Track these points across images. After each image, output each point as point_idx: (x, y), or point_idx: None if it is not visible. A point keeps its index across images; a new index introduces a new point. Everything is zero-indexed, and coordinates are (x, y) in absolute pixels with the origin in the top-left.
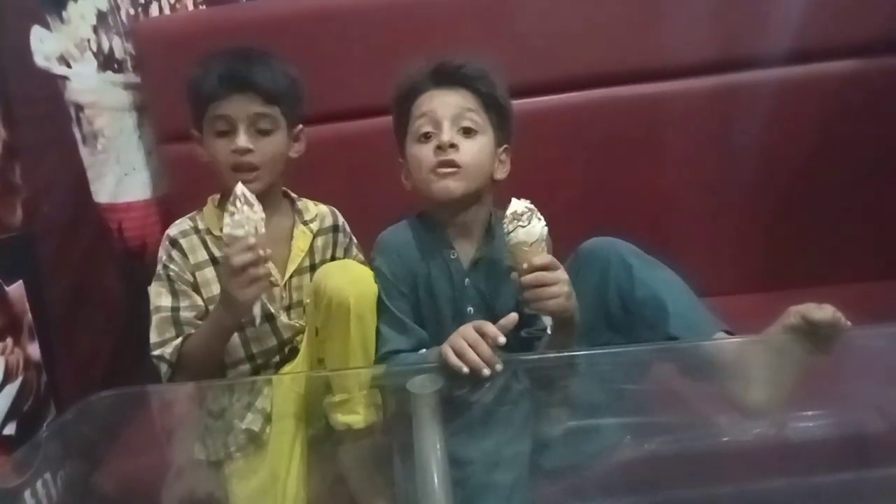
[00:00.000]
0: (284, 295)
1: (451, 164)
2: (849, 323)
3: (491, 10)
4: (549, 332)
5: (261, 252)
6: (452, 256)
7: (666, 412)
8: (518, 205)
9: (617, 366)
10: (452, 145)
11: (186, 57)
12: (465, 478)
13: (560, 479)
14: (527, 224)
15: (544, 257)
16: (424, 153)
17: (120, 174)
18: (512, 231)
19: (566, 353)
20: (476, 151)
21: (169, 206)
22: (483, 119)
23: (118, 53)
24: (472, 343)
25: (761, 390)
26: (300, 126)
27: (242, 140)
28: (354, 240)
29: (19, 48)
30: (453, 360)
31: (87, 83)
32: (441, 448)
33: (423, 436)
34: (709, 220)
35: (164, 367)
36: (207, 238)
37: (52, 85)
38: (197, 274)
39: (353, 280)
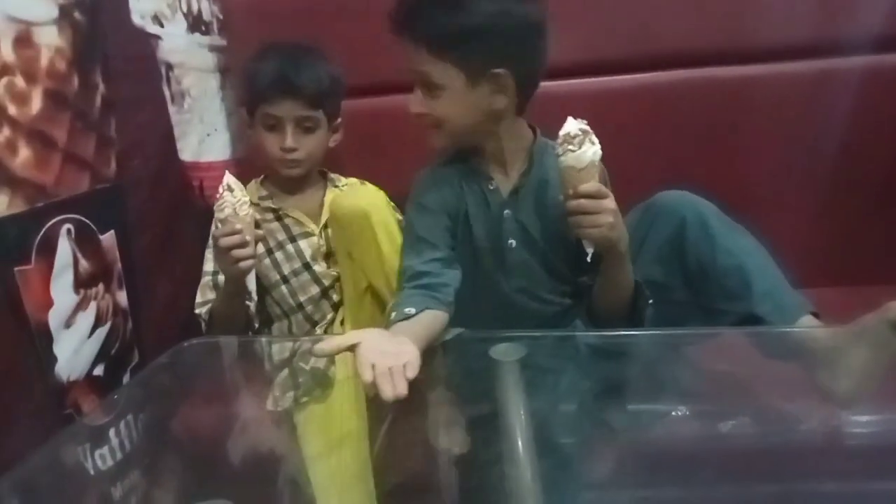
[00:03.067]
0: (322, 243)
1: (424, 122)
2: None
3: None
4: (588, 259)
5: (247, 236)
6: (491, 187)
7: (745, 396)
8: (571, 126)
9: (698, 346)
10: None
11: (270, 21)
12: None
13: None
14: (577, 149)
15: (591, 185)
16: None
17: (203, 134)
18: (562, 154)
19: (644, 332)
20: (442, 106)
21: (245, 167)
22: (440, 70)
23: (206, 16)
24: (393, 371)
25: (851, 380)
26: (339, 119)
27: (289, 140)
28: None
29: (119, 6)
30: (367, 373)
31: (176, 43)
32: (525, 415)
33: (507, 402)
34: (788, 209)
35: (203, 324)
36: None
37: (146, 43)
38: None
39: (363, 194)
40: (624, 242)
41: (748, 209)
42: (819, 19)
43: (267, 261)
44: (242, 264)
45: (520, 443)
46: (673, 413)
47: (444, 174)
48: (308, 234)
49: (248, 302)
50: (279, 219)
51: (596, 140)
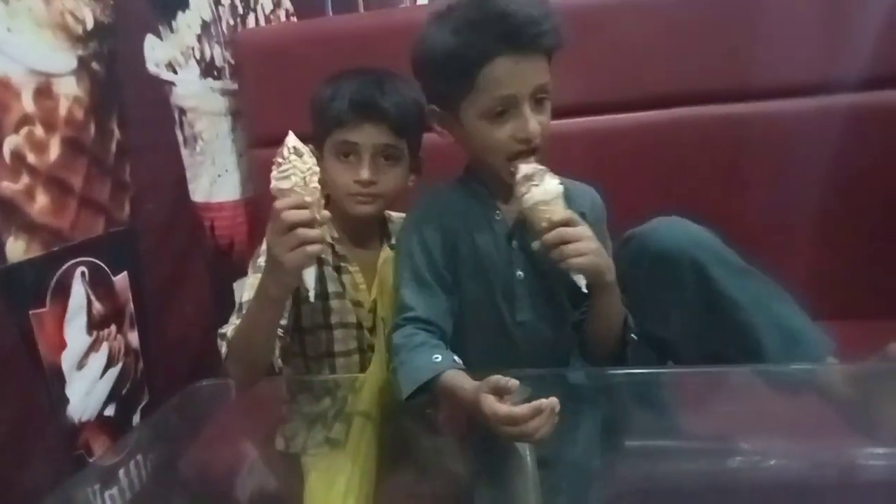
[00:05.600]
0: (370, 316)
1: (534, 150)
2: None
3: (573, 24)
4: (584, 289)
5: (317, 215)
6: (497, 218)
7: (756, 431)
8: (527, 168)
9: (708, 384)
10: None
11: (281, 66)
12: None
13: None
14: (540, 183)
15: (565, 212)
16: (500, 137)
17: (214, 175)
18: (526, 193)
19: (654, 371)
20: (548, 119)
21: (255, 206)
22: (549, 76)
23: (218, 61)
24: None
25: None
26: (421, 157)
27: (366, 172)
28: None
29: (134, 56)
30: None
31: (189, 89)
32: (531, 455)
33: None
34: (790, 244)
35: (223, 347)
36: None
37: (160, 90)
38: None
39: None
40: (611, 271)
41: (750, 245)
42: (815, 58)
43: (319, 304)
44: (310, 248)
45: (529, 484)
46: (682, 449)
47: (446, 203)
48: (359, 305)
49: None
50: (338, 270)
51: (554, 175)
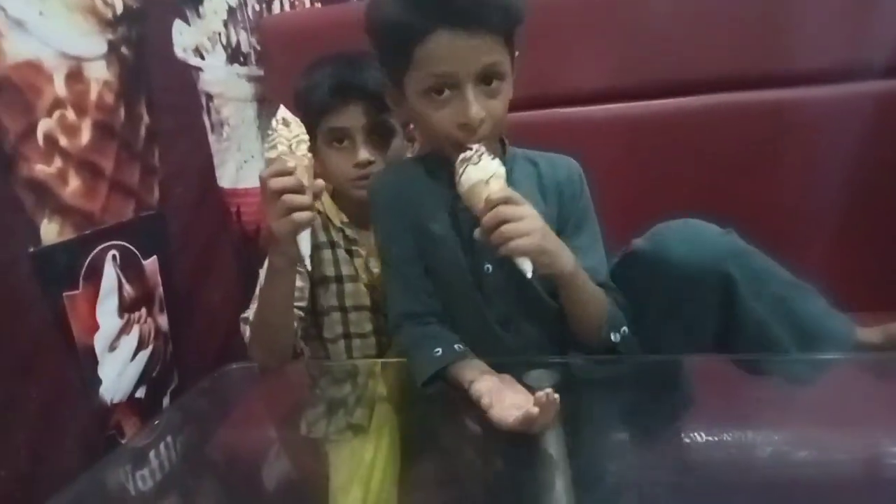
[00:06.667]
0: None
1: (478, 132)
2: None
3: (604, 9)
4: (528, 275)
5: (305, 181)
6: (461, 206)
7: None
8: (463, 153)
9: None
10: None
11: (306, 52)
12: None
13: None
14: (478, 161)
15: (504, 190)
16: (441, 120)
17: (240, 161)
18: (462, 174)
19: (684, 357)
20: (501, 105)
21: None
22: (506, 58)
23: (244, 47)
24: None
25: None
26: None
27: (363, 154)
28: None
29: (163, 40)
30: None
31: (216, 74)
32: (561, 442)
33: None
34: (821, 235)
35: (246, 332)
36: (328, 223)
37: (188, 75)
38: (314, 254)
39: None
40: (568, 259)
41: (781, 233)
42: (849, 43)
43: (333, 286)
44: (297, 216)
45: (558, 472)
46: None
47: (408, 189)
48: (373, 288)
49: (296, 309)
50: (350, 254)
51: (494, 156)
